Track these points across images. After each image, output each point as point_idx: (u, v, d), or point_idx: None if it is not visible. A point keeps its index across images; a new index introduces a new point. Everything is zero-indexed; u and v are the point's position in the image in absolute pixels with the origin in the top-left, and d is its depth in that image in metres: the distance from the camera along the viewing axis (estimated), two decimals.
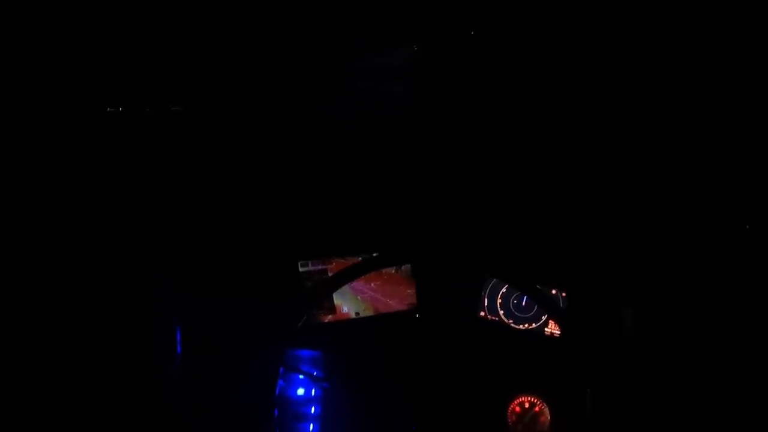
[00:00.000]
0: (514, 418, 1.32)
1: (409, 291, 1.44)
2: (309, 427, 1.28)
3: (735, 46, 1.34)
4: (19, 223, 1.26)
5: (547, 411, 1.32)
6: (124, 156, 1.37)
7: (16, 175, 1.29)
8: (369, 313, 1.40)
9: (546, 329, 1.41)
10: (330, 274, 1.38)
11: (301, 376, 1.28)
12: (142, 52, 1.37)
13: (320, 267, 1.37)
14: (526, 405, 1.32)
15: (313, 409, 1.28)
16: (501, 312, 1.42)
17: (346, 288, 1.38)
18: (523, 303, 1.41)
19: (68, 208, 1.31)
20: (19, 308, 1.22)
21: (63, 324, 1.24)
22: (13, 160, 1.28)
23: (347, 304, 1.39)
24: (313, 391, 1.29)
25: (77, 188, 1.33)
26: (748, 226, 1.27)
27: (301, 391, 1.29)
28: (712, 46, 1.35)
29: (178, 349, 1.27)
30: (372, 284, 1.39)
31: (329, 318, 1.38)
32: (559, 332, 1.39)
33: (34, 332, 1.22)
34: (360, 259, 1.35)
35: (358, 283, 1.38)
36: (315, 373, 1.30)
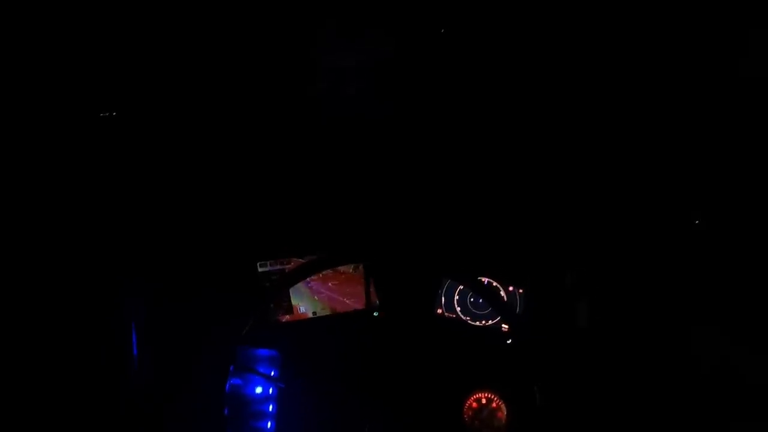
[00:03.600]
0: (470, 413, 1.34)
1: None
2: (266, 425, 1.30)
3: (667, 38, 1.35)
4: None
5: (503, 407, 1.34)
6: (82, 159, 1.39)
7: None
8: (326, 312, 1.41)
9: (503, 326, 1.43)
10: None
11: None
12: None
13: (279, 267, 1.39)
14: (483, 401, 1.34)
15: (270, 407, 1.30)
16: (458, 309, 1.43)
17: (303, 288, 1.40)
18: (480, 300, 1.43)
19: (29, 212, 1.34)
20: None
21: (22, 324, 1.26)
22: None
23: (304, 304, 1.40)
24: (270, 390, 1.31)
25: (37, 192, 1.35)
26: (697, 222, 1.27)
27: (259, 390, 1.31)
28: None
29: (134, 345, 1.29)
30: (329, 284, 1.40)
31: (286, 318, 1.39)
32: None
33: None
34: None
35: (315, 283, 1.40)
36: (272, 373, 1.32)
